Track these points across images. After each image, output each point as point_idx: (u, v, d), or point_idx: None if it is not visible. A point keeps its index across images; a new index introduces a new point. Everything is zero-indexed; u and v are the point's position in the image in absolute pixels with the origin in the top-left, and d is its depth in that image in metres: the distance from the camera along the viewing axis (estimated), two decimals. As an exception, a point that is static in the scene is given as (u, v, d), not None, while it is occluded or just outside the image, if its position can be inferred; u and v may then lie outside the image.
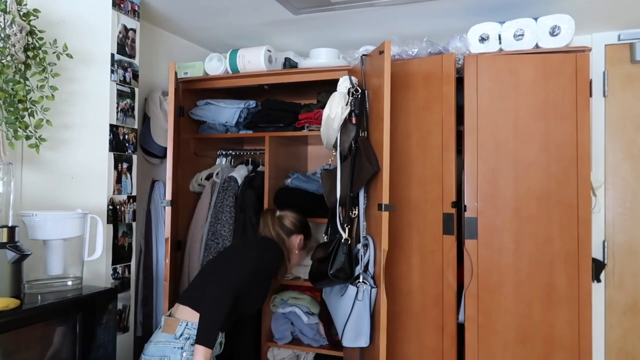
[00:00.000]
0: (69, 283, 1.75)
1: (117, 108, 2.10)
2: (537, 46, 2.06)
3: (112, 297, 1.78)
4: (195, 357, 1.67)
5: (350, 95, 2.00)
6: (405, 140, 2.13)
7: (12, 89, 1.72)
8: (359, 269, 1.90)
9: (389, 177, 1.81)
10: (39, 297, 1.62)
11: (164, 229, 2.37)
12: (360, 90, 2.02)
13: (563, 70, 1.99)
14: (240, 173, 2.65)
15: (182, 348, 1.75)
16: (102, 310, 1.72)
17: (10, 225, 1.59)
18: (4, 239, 1.52)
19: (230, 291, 1.76)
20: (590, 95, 1.99)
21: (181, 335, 1.77)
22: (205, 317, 1.73)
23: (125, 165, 2.13)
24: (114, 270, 2.07)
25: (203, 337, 1.69)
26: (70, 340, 1.63)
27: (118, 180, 2.09)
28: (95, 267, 1.97)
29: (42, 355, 1.56)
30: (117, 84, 2.10)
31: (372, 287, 1.85)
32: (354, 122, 1.99)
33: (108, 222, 2.02)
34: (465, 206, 2.03)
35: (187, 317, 1.80)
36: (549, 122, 1.99)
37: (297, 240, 2.13)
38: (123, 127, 2.13)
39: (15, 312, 1.46)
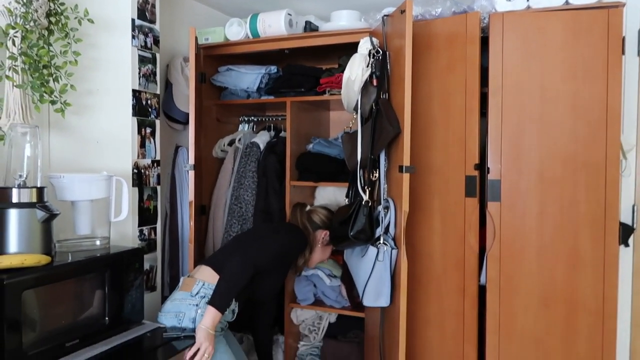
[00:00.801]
0: (97, 243, 1.82)
1: (139, 73, 2.12)
2: (566, 2, 1.97)
3: (139, 256, 1.84)
4: (205, 316, 1.74)
5: (371, 56, 1.97)
6: (427, 102, 2.09)
7: (36, 54, 1.75)
8: (379, 231, 1.91)
9: (410, 140, 1.79)
10: (70, 255, 1.69)
11: (188, 193, 2.41)
12: (381, 52, 1.99)
13: (594, 27, 1.90)
14: (262, 139, 2.66)
15: (197, 305, 1.83)
16: (129, 269, 1.79)
17: (39, 186, 1.64)
18: (34, 199, 1.58)
19: (253, 265, 1.84)
20: (623, 54, 1.91)
21: (197, 293, 1.85)
22: (224, 282, 1.80)
23: (148, 130, 2.16)
24: (140, 232, 2.13)
25: (216, 300, 1.77)
26: (100, 297, 1.70)
27: (142, 145, 2.13)
28: (122, 228, 2.03)
29: (74, 310, 1.63)
30: (138, 49, 2.11)
31: (392, 249, 1.86)
32: (374, 84, 1.96)
33: (133, 186, 2.07)
34: (488, 168, 2.00)
35: (206, 278, 1.87)
36: (577, 82, 1.92)
37: (322, 234, 2.18)
38: (145, 92, 2.15)
39: (46, 268, 1.53)
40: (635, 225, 2.46)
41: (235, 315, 2.00)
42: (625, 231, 2.35)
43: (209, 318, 1.73)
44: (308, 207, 2.25)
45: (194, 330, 1.77)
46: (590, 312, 1.93)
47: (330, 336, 2.57)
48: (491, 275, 2.00)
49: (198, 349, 1.70)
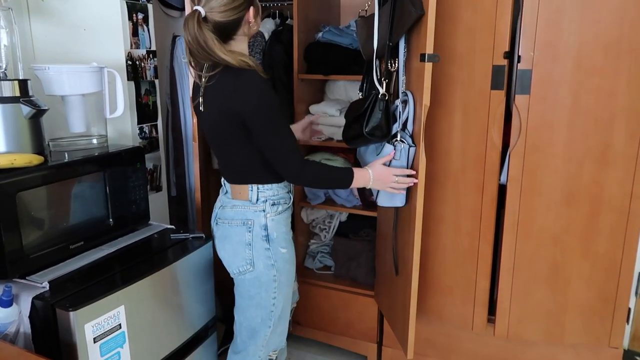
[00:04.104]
0: (94, 141, 1.70)
1: (125, -52, 1.86)
2: None
3: (140, 155, 1.73)
4: (359, 180, 1.66)
5: None
6: (454, -21, 1.83)
7: None
8: (396, 127, 1.77)
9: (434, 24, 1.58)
10: (66, 155, 1.58)
11: (189, 88, 2.24)
12: None
13: None
14: (266, 27, 2.43)
15: (264, 211, 1.61)
16: (130, 168, 1.68)
17: (21, 78, 1.48)
18: (17, 93, 1.43)
19: (287, 134, 1.54)
20: None
21: (257, 199, 1.61)
22: (319, 171, 1.63)
23: (140, 16, 1.94)
24: (141, 129, 2.00)
25: (340, 182, 1.65)
26: (102, 198, 1.62)
27: (134, 33, 1.93)
28: (121, 126, 1.91)
29: (75, 211, 1.55)
30: None
31: (410, 146, 1.73)
32: (395, -44, 1.70)
33: (128, 79, 1.90)
34: (519, 57, 1.79)
35: (253, 182, 1.61)
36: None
37: (250, 14, 1.51)
38: (133, -30, 1.90)
39: (40, 168, 1.42)
40: (670, 120, 2.29)
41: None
42: (661, 126, 2.19)
43: (361, 179, 1.66)
44: (204, 13, 1.40)
45: (267, 237, 1.62)
46: (614, 210, 1.84)
47: (341, 234, 2.54)
48: (513, 173, 1.89)
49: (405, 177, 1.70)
